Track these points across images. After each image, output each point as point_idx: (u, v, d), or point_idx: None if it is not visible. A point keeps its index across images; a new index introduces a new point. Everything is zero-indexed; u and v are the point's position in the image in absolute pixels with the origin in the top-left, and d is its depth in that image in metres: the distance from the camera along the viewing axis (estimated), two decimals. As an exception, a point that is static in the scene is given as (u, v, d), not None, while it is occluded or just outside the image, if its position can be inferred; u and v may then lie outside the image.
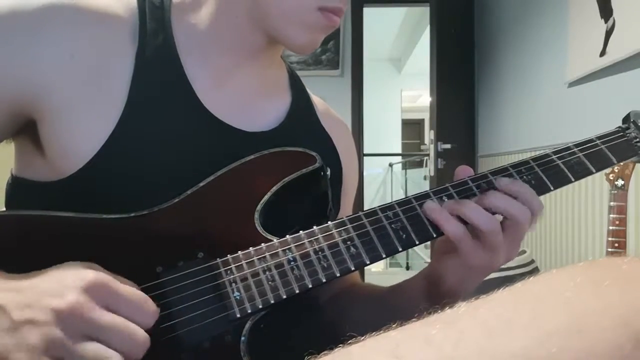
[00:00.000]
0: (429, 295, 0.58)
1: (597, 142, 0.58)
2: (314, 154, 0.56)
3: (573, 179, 0.55)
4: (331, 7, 0.54)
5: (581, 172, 0.56)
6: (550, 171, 0.56)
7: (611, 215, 1.21)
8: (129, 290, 0.41)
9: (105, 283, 0.40)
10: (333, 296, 0.69)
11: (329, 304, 0.69)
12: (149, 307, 0.42)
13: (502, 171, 0.55)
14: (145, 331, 0.40)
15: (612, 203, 1.21)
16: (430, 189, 0.54)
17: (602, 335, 0.18)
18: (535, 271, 1.91)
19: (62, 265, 0.42)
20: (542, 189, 0.55)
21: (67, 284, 0.39)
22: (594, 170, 0.56)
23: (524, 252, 2.10)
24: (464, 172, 0.56)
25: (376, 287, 0.68)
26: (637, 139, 0.60)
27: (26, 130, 0.53)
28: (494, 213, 0.51)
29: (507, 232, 0.52)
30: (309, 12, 0.54)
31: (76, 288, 0.38)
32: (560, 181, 0.55)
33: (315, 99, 0.72)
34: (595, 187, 1.73)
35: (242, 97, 0.60)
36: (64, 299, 0.38)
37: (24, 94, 0.50)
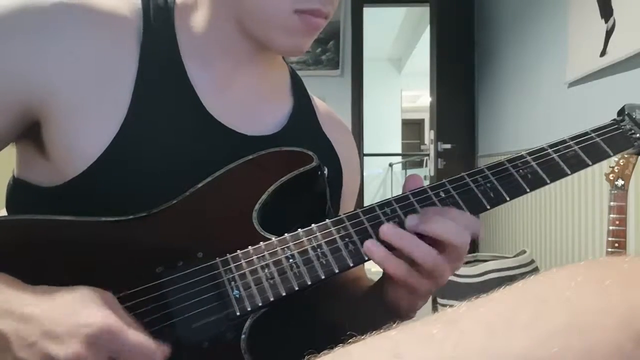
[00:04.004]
0: (387, 314, 0.56)
1: (592, 134, 0.58)
2: (310, 153, 0.56)
3: (569, 172, 0.55)
4: (307, 8, 0.52)
5: (577, 165, 0.56)
6: (546, 164, 0.55)
7: (611, 215, 1.21)
8: (136, 339, 0.39)
9: (112, 332, 0.38)
10: (335, 293, 0.69)
11: (331, 301, 0.68)
12: (155, 356, 0.40)
13: (498, 166, 0.55)
14: None
15: (612, 203, 1.21)
16: (427, 185, 0.54)
17: (603, 335, 0.18)
18: (535, 271, 1.91)
19: (74, 292, 0.41)
20: (538, 183, 0.55)
21: (72, 329, 0.37)
22: (590, 163, 0.56)
23: (524, 252, 2.10)
24: (413, 182, 0.54)
25: (365, 282, 0.67)
26: (632, 131, 0.60)
27: (29, 133, 0.53)
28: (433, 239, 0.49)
29: (448, 256, 0.50)
30: (286, 15, 0.52)
31: (80, 337, 0.37)
32: (557, 174, 0.55)
33: (317, 102, 0.72)
34: (595, 187, 1.73)
35: (244, 101, 0.60)
36: (66, 348, 0.37)
37: (29, 94, 0.50)
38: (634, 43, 1.48)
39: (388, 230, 0.49)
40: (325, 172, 0.58)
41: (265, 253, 0.49)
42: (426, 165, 4.45)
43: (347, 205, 0.71)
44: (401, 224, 0.51)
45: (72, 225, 0.48)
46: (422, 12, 4.50)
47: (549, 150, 0.57)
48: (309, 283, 0.48)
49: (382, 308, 0.56)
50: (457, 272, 1.98)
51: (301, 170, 0.55)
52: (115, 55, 0.53)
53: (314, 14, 0.53)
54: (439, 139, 3.01)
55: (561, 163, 0.56)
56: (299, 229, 0.51)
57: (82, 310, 0.39)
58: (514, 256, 2.09)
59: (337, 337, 0.24)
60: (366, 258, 0.50)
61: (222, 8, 0.56)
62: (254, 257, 0.49)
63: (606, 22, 1.63)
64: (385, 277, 0.55)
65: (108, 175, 0.51)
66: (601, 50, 1.65)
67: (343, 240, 0.50)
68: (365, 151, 3.69)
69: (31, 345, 0.37)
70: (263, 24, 0.54)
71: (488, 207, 0.53)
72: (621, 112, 0.62)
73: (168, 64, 0.55)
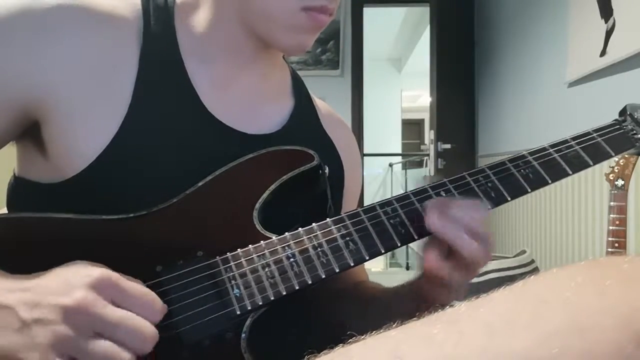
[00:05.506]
0: (419, 308, 0.57)
1: (594, 134, 0.58)
2: (311, 152, 0.56)
3: (571, 172, 0.55)
4: (315, 6, 0.53)
5: (579, 165, 0.56)
6: (547, 164, 0.55)
7: (611, 215, 1.21)
8: (136, 287, 0.42)
9: (111, 279, 0.40)
10: (337, 294, 0.69)
11: (333, 302, 0.68)
12: (156, 303, 0.42)
13: (500, 165, 0.56)
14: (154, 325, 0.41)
15: (612, 203, 1.21)
16: (428, 184, 0.54)
17: (604, 336, 0.18)
18: (535, 271, 1.91)
19: (67, 264, 0.42)
20: (540, 183, 0.55)
21: (73, 281, 0.39)
22: (591, 163, 0.56)
23: (524, 252, 2.10)
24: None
25: (378, 288, 0.68)
26: (634, 132, 0.60)
27: (29, 133, 0.53)
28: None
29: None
30: (293, 13, 0.53)
31: (83, 285, 0.39)
32: (558, 174, 0.55)
33: (318, 102, 0.72)
34: (595, 187, 1.73)
35: (244, 100, 0.60)
36: (72, 296, 0.38)
37: (29, 94, 0.50)
38: (634, 43, 1.48)
39: (435, 219, 0.50)
40: (326, 171, 0.58)
41: (266, 252, 0.49)
42: (426, 165, 4.44)
43: (350, 204, 0.71)
44: (401, 224, 0.51)
45: (72, 224, 0.48)
46: (422, 12, 4.49)
47: (551, 150, 0.56)
48: (310, 282, 0.48)
49: (412, 306, 0.57)
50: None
51: (302, 169, 0.55)
52: (115, 55, 0.53)
53: (320, 10, 0.53)
54: (439, 139, 3.01)
55: (562, 163, 0.56)
56: (300, 228, 0.50)
57: (78, 270, 0.41)
58: (514, 256, 2.09)
59: (337, 337, 0.24)
60: (367, 258, 0.50)
61: (226, 7, 0.56)
62: (255, 255, 0.49)
63: (606, 22, 1.63)
64: (423, 273, 0.56)
65: (108, 174, 0.51)
66: (601, 50, 1.65)
67: (344, 240, 0.50)
68: (365, 151, 3.69)
69: (37, 305, 0.38)
70: (269, 22, 0.54)
71: (489, 207, 0.53)
72: (623, 112, 0.62)
73: (168, 64, 0.56)
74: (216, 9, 0.57)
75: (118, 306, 0.40)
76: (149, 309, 0.41)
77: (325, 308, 0.68)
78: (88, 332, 0.38)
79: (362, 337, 0.21)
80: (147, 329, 0.40)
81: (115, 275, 0.41)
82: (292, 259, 0.48)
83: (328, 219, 0.51)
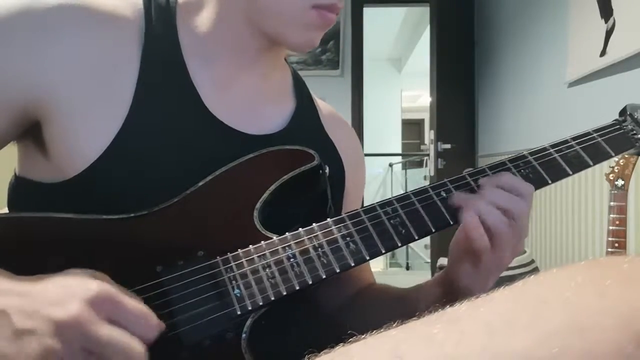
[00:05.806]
0: (446, 301, 0.57)
1: (594, 135, 0.58)
2: (312, 152, 0.56)
3: (571, 172, 0.56)
4: (325, 4, 0.54)
5: (579, 166, 0.56)
6: (548, 165, 0.56)
7: (611, 215, 1.21)
8: (133, 304, 0.41)
9: (109, 295, 0.39)
10: (350, 299, 0.69)
11: (347, 307, 0.68)
12: (152, 320, 0.41)
13: (500, 165, 0.56)
14: (148, 344, 0.40)
15: (612, 203, 1.21)
16: (428, 185, 0.55)
17: (604, 335, 0.18)
18: (535, 271, 1.91)
19: (68, 272, 0.42)
20: (540, 183, 0.55)
21: (71, 294, 0.38)
22: (591, 163, 0.56)
23: (524, 252, 2.10)
24: None
25: (392, 288, 0.68)
26: (634, 132, 0.60)
27: (30, 132, 0.53)
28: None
29: (513, 229, 0.52)
30: (304, 11, 0.54)
31: (80, 299, 0.38)
32: (558, 174, 0.56)
33: (320, 103, 0.72)
34: (595, 187, 1.73)
35: (246, 101, 0.61)
36: (66, 309, 0.37)
37: (30, 94, 0.50)
38: (634, 43, 1.48)
39: (460, 195, 0.53)
40: (327, 170, 0.58)
41: (266, 252, 0.49)
42: (426, 165, 4.44)
43: (353, 204, 0.71)
44: (402, 224, 0.51)
45: (73, 223, 0.48)
46: (422, 12, 4.49)
47: (551, 150, 0.57)
48: (310, 282, 0.48)
49: (438, 301, 0.57)
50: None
51: (302, 169, 0.55)
52: (117, 55, 0.53)
53: (329, 9, 0.54)
54: (439, 139, 3.01)
55: (563, 163, 0.56)
56: (300, 228, 0.51)
57: (79, 280, 0.40)
58: (514, 256, 2.08)
59: (338, 337, 0.24)
60: (367, 257, 0.50)
61: (231, 6, 0.56)
62: (255, 256, 0.49)
63: (606, 22, 1.63)
64: (453, 262, 0.57)
65: (109, 174, 0.51)
66: (601, 50, 1.65)
67: (344, 240, 0.50)
68: (366, 151, 3.68)
69: (32, 315, 0.38)
70: (278, 20, 0.55)
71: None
72: (623, 112, 0.62)
73: (170, 64, 0.56)
74: (221, 8, 0.57)
75: (114, 322, 0.39)
76: (143, 326, 0.40)
77: (343, 314, 0.67)
78: (77, 347, 0.37)
79: (363, 336, 0.21)
80: (135, 350, 0.39)
81: (113, 291, 0.40)
82: (292, 259, 0.48)
83: (329, 219, 0.51)
